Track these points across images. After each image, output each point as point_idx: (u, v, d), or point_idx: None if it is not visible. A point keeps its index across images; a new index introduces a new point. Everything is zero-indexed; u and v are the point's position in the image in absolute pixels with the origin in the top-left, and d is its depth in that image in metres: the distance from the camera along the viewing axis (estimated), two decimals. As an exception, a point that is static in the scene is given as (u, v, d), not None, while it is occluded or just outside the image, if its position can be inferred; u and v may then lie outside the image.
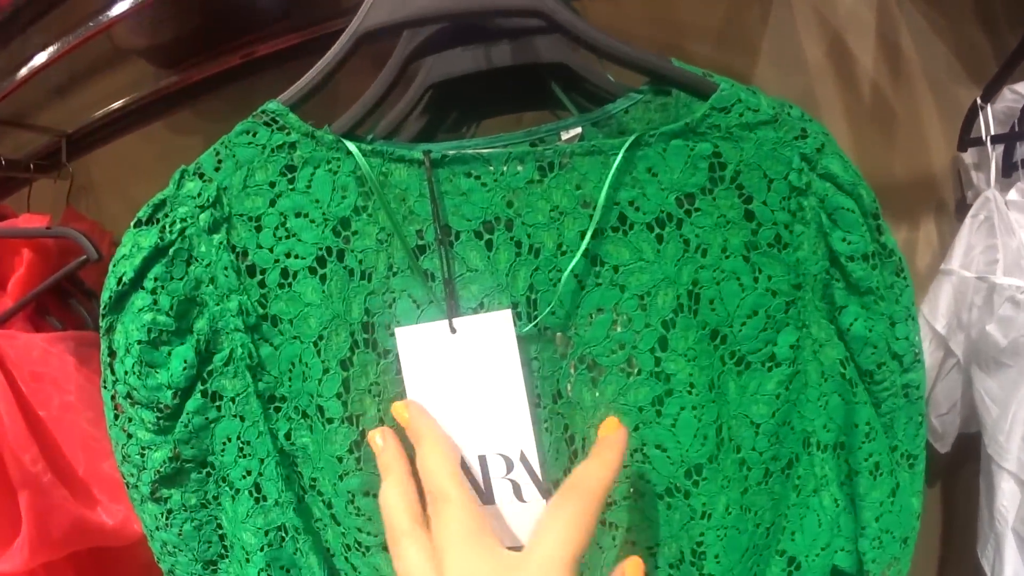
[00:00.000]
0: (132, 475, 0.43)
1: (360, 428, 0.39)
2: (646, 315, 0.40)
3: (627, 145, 0.39)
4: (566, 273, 0.39)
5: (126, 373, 0.40)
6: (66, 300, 0.80)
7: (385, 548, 0.39)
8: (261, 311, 0.39)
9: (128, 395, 0.40)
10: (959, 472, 0.74)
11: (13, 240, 0.75)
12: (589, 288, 0.40)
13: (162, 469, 0.41)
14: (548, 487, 0.40)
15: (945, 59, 0.81)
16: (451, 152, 0.39)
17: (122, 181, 0.96)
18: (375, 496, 0.38)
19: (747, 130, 0.40)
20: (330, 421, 0.39)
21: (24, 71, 0.70)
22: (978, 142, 0.72)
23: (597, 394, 0.40)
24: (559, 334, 0.40)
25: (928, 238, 0.81)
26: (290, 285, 0.39)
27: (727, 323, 0.40)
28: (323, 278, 0.39)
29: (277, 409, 0.40)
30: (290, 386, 0.40)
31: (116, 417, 0.42)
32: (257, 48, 0.78)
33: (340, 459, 0.39)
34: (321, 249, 0.39)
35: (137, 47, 0.81)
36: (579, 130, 0.47)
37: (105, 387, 0.42)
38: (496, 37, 0.44)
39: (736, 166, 0.40)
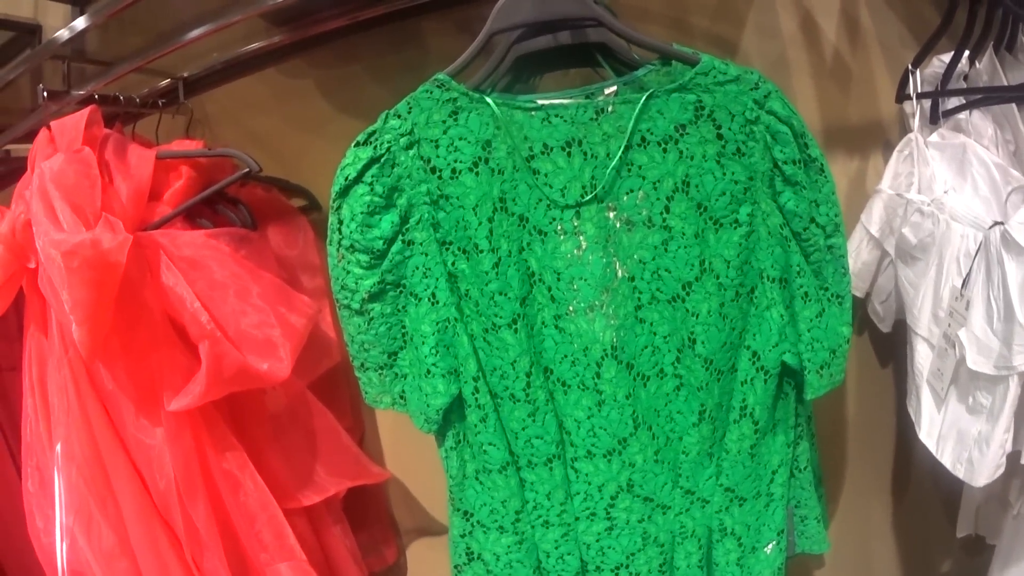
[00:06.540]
0: (347, 297, 0.76)
1: (498, 255, 0.73)
2: (656, 193, 0.73)
3: (645, 97, 0.72)
4: (610, 169, 0.72)
5: (351, 232, 0.73)
6: (213, 206, 1.02)
7: (508, 326, 0.73)
8: (439, 193, 0.73)
9: (351, 246, 0.74)
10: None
11: (169, 160, 0.96)
12: (624, 177, 0.73)
13: (371, 290, 0.75)
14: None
15: (897, 29, 1.09)
16: (546, 102, 0.72)
17: (236, 115, 1.18)
18: (506, 294, 0.72)
19: (719, 85, 0.72)
20: (481, 251, 0.73)
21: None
22: (910, 97, 1.00)
23: (630, 238, 0.74)
24: (608, 203, 0.73)
25: (877, 169, 1.12)
26: (457, 178, 0.73)
27: (707, 199, 0.73)
28: (476, 173, 0.73)
29: (447, 248, 0.74)
30: (455, 234, 0.74)
31: (338, 261, 0.75)
32: (362, 12, 1.04)
33: (486, 273, 0.73)
34: (475, 157, 0.72)
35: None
36: (615, 88, 0.79)
37: (330, 243, 0.75)
38: (562, 28, 0.75)
39: (711, 107, 0.72)
